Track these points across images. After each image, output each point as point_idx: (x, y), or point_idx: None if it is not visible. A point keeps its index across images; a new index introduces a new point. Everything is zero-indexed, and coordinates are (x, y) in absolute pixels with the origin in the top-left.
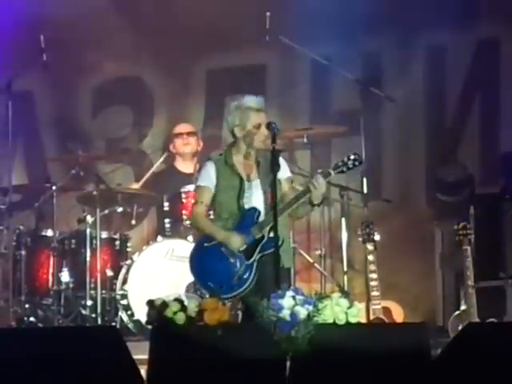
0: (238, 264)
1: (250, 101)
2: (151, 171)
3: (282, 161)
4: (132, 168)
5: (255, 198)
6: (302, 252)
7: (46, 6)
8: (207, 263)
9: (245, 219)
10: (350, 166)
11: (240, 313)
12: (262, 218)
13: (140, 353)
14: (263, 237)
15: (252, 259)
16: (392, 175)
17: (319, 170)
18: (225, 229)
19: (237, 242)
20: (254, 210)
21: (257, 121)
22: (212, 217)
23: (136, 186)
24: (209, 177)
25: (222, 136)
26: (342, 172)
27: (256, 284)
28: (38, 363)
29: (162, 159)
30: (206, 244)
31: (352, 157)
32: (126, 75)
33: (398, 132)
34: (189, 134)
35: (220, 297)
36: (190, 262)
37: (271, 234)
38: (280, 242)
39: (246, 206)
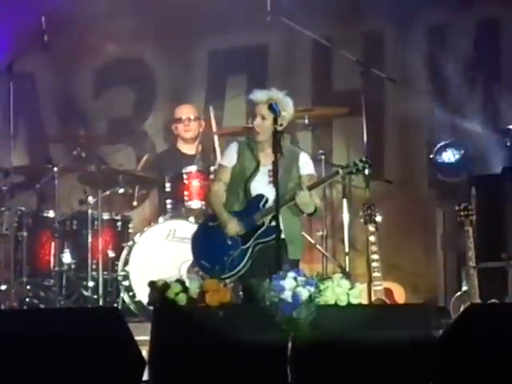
0: (234, 247)
1: (252, 94)
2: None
3: (306, 158)
4: (133, 149)
5: (265, 184)
6: (304, 233)
7: None
8: (207, 242)
9: (251, 204)
10: (360, 168)
11: (241, 295)
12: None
13: (141, 334)
14: (263, 224)
15: (247, 245)
16: (393, 156)
17: (321, 154)
18: (234, 207)
19: (232, 228)
20: (261, 196)
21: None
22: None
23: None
24: (230, 156)
25: (223, 117)
26: (351, 173)
27: (251, 271)
28: (39, 344)
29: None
30: (210, 223)
31: (364, 159)
32: (127, 56)
33: (399, 112)
34: (190, 119)
35: (211, 276)
36: (192, 239)
37: (273, 223)
38: (280, 233)
39: (253, 191)
